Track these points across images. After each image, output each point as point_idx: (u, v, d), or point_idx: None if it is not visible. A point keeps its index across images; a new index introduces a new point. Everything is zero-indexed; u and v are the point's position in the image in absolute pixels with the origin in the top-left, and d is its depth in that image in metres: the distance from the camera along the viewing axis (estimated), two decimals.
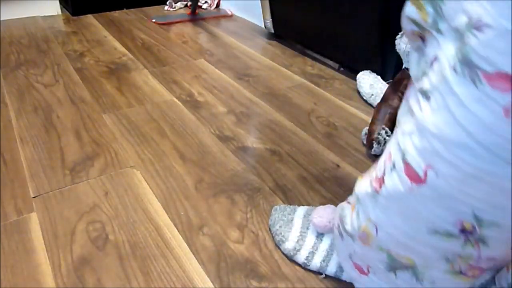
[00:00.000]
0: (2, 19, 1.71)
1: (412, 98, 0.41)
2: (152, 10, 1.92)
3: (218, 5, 1.96)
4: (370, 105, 1.12)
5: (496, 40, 0.31)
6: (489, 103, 0.33)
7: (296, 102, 1.12)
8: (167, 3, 1.95)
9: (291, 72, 1.31)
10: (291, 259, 0.64)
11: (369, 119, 0.92)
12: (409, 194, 0.41)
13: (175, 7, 1.93)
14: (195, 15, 1.79)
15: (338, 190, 0.80)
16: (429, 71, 0.38)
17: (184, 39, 1.55)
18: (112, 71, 1.28)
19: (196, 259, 0.64)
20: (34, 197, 0.76)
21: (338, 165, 0.87)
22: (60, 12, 1.83)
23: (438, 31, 0.38)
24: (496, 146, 0.34)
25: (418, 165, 0.39)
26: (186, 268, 0.62)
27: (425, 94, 0.38)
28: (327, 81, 1.26)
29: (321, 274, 0.62)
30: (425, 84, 0.39)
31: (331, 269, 0.61)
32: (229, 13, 1.84)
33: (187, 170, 0.84)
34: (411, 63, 0.44)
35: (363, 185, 0.49)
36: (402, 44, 0.84)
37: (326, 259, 0.61)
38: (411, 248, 0.45)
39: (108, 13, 1.86)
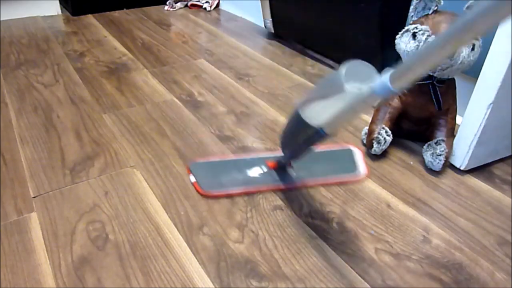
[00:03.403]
0: (2, 19, 1.72)
1: None
2: (152, 10, 1.92)
3: (218, 5, 1.96)
4: None
5: None
6: None
7: (296, 102, 1.12)
8: (167, 3, 1.95)
9: (291, 72, 1.31)
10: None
11: (369, 119, 0.92)
12: None
13: (175, 7, 1.93)
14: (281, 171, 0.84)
15: (338, 190, 0.80)
16: None
17: (184, 39, 1.55)
18: (112, 71, 1.28)
19: (196, 259, 0.64)
20: (34, 197, 0.76)
21: None
22: (60, 12, 1.83)
23: None
24: None
25: None
26: (186, 268, 0.62)
27: None
28: None
29: None
30: None
31: None
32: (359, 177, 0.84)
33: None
34: None
35: None
36: (402, 44, 0.84)
37: None
38: None
39: (108, 13, 1.86)
